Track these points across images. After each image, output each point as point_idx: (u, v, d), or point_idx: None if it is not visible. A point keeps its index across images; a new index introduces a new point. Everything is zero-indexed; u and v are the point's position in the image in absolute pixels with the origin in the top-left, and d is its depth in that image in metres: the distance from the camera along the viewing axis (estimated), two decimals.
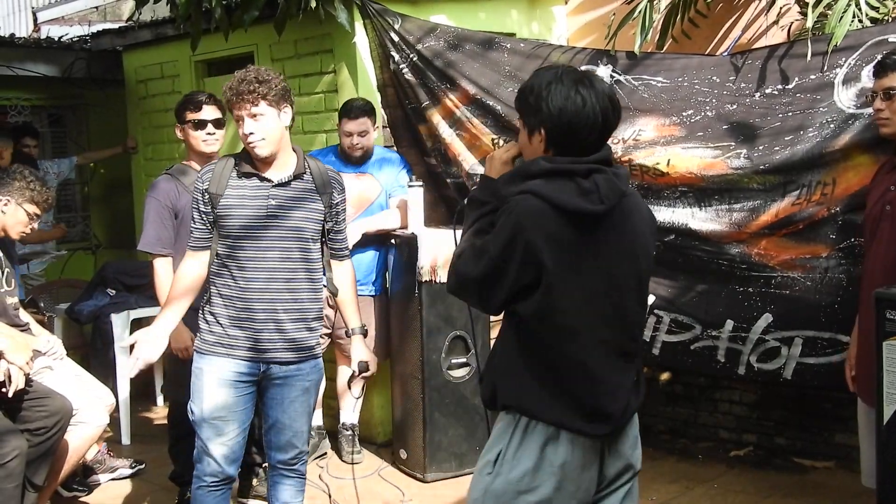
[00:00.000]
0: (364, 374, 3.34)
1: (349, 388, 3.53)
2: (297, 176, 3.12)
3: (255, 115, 3.00)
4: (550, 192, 2.14)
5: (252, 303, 3.06)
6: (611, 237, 2.22)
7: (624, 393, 2.26)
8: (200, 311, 3.16)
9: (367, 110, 4.48)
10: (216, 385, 3.08)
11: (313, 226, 3.14)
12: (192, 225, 3.14)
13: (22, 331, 3.65)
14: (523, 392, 2.23)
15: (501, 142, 4.40)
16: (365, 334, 3.38)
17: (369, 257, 4.60)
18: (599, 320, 2.21)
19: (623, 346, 2.27)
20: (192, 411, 3.14)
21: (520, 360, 2.25)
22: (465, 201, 2.39)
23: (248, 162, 3.09)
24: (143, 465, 4.66)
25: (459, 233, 2.39)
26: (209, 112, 3.79)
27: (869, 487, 3.07)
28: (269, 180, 3.08)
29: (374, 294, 4.66)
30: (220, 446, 3.11)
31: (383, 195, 4.61)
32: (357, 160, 4.56)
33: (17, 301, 3.77)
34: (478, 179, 4.36)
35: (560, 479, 2.20)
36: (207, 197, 3.07)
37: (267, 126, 3.02)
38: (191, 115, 3.79)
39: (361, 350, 3.33)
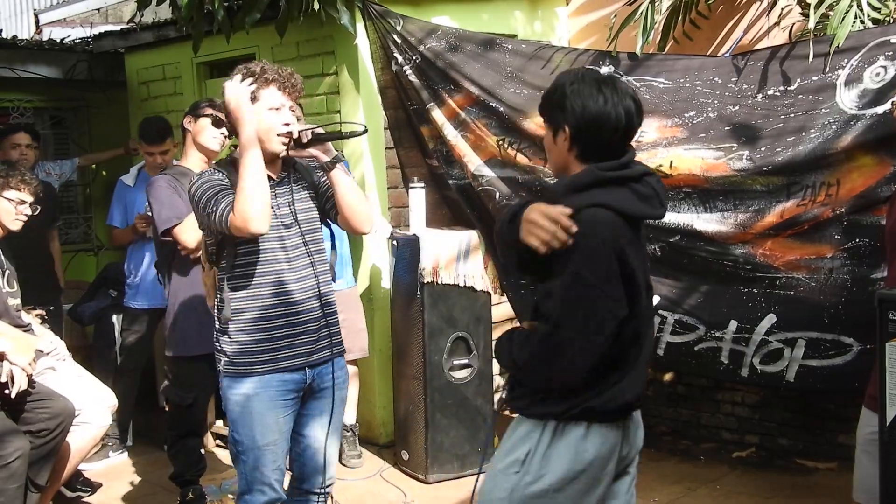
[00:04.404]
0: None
1: None
2: (286, 169, 3.03)
3: (293, 109, 2.97)
4: (617, 202, 2.15)
5: (287, 306, 2.90)
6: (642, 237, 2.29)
7: (643, 379, 2.33)
8: (222, 335, 2.92)
9: None
10: (266, 409, 2.87)
11: (315, 213, 3.05)
12: (208, 239, 2.97)
13: (24, 331, 3.66)
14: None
15: (506, 142, 4.41)
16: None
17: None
18: (648, 318, 2.29)
19: (651, 338, 2.34)
20: (236, 441, 2.92)
21: None
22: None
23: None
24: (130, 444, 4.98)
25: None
26: None
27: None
28: (271, 178, 2.96)
29: (351, 286, 4.65)
30: (274, 472, 2.91)
31: None
32: None
33: (18, 302, 3.77)
34: (484, 181, 4.42)
35: (591, 474, 2.23)
36: None
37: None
38: (211, 111, 3.89)
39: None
